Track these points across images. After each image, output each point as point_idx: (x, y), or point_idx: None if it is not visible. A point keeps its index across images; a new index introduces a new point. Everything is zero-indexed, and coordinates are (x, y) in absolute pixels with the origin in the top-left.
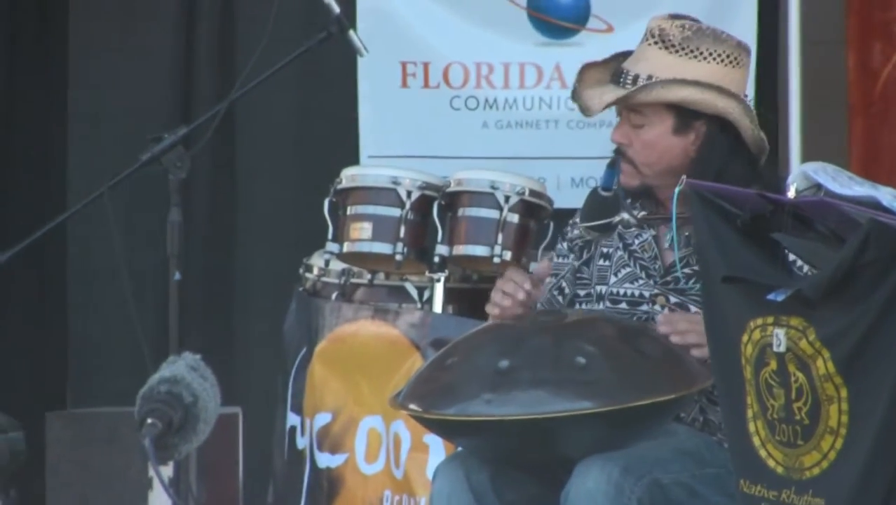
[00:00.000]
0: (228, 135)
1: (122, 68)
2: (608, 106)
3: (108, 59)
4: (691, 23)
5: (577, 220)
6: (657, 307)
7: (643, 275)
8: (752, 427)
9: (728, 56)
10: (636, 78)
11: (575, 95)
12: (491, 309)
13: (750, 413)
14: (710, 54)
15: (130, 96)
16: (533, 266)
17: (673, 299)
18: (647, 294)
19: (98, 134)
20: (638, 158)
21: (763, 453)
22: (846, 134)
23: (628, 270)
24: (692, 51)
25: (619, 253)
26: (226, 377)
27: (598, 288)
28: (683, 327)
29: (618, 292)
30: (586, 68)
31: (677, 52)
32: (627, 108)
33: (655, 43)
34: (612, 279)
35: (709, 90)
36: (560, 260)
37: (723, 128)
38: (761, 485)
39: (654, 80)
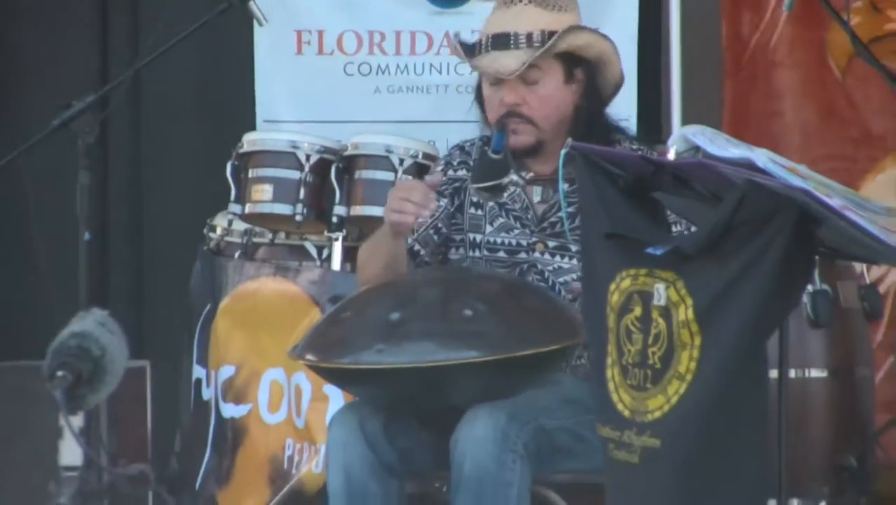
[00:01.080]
0: (135, 101)
1: (41, 37)
2: (529, 62)
3: (27, 28)
4: None
5: (441, 168)
6: (537, 254)
7: (517, 225)
8: (609, 373)
9: (574, 6)
10: (530, 36)
11: (472, 66)
12: (391, 216)
13: (609, 360)
14: (567, 7)
15: (48, 63)
16: (427, 178)
17: (552, 243)
18: (524, 242)
19: (17, 99)
20: (536, 115)
21: (615, 398)
22: (715, 99)
23: (502, 220)
24: (556, 4)
25: (490, 204)
26: (134, 332)
27: (473, 236)
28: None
29: (495, 241)
30: (460, 44)
31: (548, 6)
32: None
33: (528, 2)
34: (488, 228)
35: (594, 34)
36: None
37: (597, 69)
38: (609, 427)
39: (547, 33)
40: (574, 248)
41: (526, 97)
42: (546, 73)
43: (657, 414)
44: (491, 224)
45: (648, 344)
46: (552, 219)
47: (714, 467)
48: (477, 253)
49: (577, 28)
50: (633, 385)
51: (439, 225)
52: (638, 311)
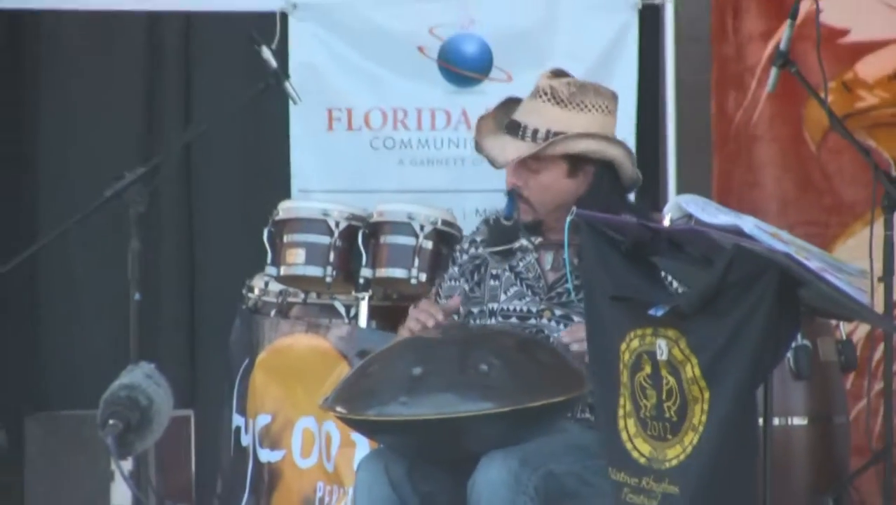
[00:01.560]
0: (183, 171)
1: (91, 111)
2: (518, 157)
3: (79, 102)
4: (573, 79)
5: (466, 246)
6: (544, 320)
7: (529, 293)
8: (621, 424)
9: (606, 106)
10: (535, 132)
11: (478, 147)
12: (405, 333)
13: (621, 412)
14: (593, 106)
15: (98, 134)
16: (442, 302)
17: (558, 312)
18: (534, 309)
19: (67, 166)
20: (533, 198)
21: (629, 446)
22: (707, 169)
23: (515, 288)
24: (578, 104)
25: (507, 274)
26: (179, 384)
27: (490, 305)
28: (582, 336)
29: (508, 308)
30: (481, 120)
31: (566, 105)
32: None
33: (548, 99)
34: (503, 297)
35: (602, 140)
36: (451, 283)
37: (607, 169)
38: (625, 472)
39: (552, 132)
40: (577, 317)
41: (528, 181)
42: (547, 166)
43: (674, 462)
44: (506, 293)
45: (663, 399)
46: (559, 289)
47: None
48: (492, 320)
49: (580, 136)
50: (654, 435)
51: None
52: (648, 369)
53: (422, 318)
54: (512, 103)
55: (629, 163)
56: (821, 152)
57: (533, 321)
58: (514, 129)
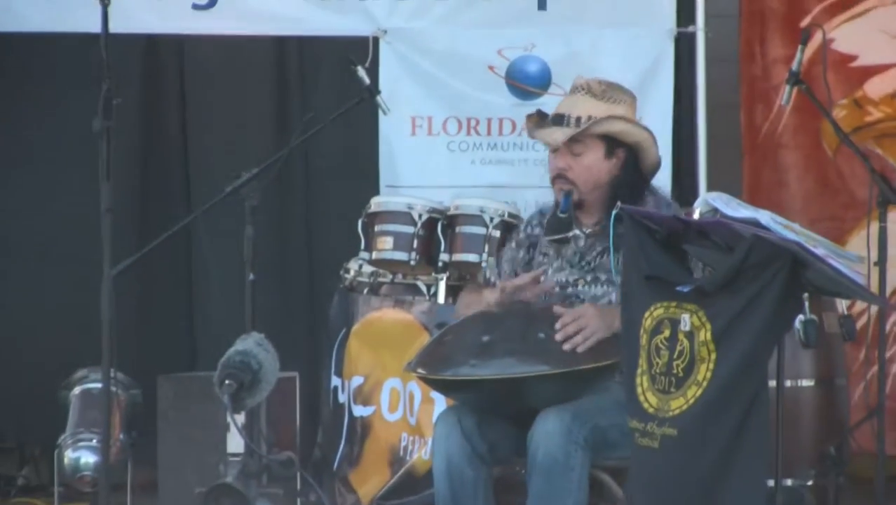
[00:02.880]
0: (290, 171)
1: (227, 126)
2: (569, 137)
3: (214, 120)
4: (602, 79)
5: (523, 227)
6: (579, 287)
7: (566, 266)
8: (638, 380)
9: (629, 102)
10: (578, 119)
11: (531, 136)
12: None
13: (639, 370)
14: (621, 100)
15: (231, 142)
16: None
17: (588, 277)
18: (571, 280)
19: (211, 165)
20: (578, 179)
21: (641, 399)
22: (735, 171)
23: (557, 263)
24: (610, 98)
25: (552, 253)
26: (287, 350)
27: (541, 280)
28: (569, 319)
29: (553, 280)
30: (528, 118)
31: (600, 98)
32: (570, 140)
33: (585, 93)
34: (549, 272)
35: (632, 125)
36: (512, 253)
37: (635, 153)
38: (636, 420)
39: (592, 118)
40: (602, 277)
41: (571, 164)
42: (588, 148)
43: (677, 411)
44: (551, 267)
45: (673, 358)
46: (588, 259)
47: (722, 452)
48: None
49: (614, 118)
50: (660, 389)
51: (518, 270)
52: (667, 333)
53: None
54: (542, 114)
55: (654, 147)
56: (836, 158)
57: (570, 289)
58: (559, 119)
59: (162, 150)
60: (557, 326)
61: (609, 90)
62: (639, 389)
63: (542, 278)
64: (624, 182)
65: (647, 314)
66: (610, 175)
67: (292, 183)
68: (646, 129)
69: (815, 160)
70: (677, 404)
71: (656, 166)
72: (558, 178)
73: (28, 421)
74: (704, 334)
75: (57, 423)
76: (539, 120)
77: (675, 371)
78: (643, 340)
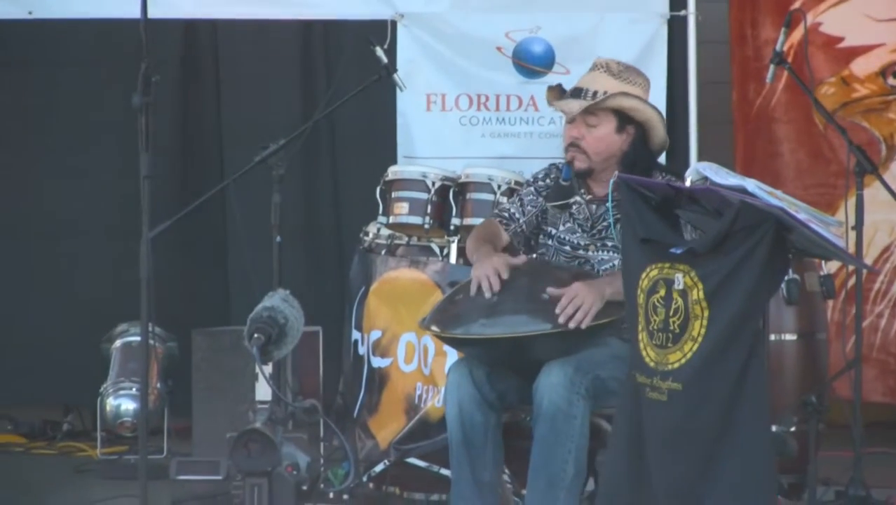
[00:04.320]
0: (314, 142)
1: (257, 102)
2: (586, 108)
3: (246, 97)
4: (621, 61)
5: (541, 175)
6: (589, 252)
7: (579, 230)
8: (639, 336)
9: (643, 84)
10: (595, 93)
11: (550, 104)
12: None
13: (639, 327)
14: (636, 81)
15: (261, 117)
16: (512, 260)
17: (598, 244)
18: (581, 243)
19: (242, 137)
20: (590, 149)
21: (643, 354)
22: (727, 144)
23: (569, 224)
24: (626, 78)
25: (564, 212)
26: (311, 305)
27: (550, 229)
28: (564, 300)
29: (563, 238)
30: (549, 89)
31: (617, 77)
32: (585, 112)
33: (604, 71)
34: (560, 227)
35: (643, 103)
36: (532, 198)
37: (643, 131)
38: (643, 375)
39: (608, 93)
40: (609, 244)
41: (585, 135)
42: (602, 121)
43: (676, 365)
44: (563, 224)
45: (670, 315)
46: (599, 227)
47: (725, 402)
48: (550, 242)
49: (627, 94)
50: (658, 344)
51: (538, 215)
52: (662, 292)
53: (487, 281)
54: (560, 87)
55: (662, 126)
56: (827, 131)
57: (581, 252)
58: (578, 92)
59: (198, 124)
60: (557, 310)
61: (626, 71)
62: (640, 345)
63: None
64: (633, 157)
65: (643, 275)
66: (620, 150)
67: (318, 154)
68: (656, 109)
69: (807, 133)
70: (675, 358)
71: (663, 145)
72: (571, 146)
73: (73, 372)
74: (697, 293)
75: (99, 373)
76: (559, 92)
77: (671, 328)
78: (640, 299)
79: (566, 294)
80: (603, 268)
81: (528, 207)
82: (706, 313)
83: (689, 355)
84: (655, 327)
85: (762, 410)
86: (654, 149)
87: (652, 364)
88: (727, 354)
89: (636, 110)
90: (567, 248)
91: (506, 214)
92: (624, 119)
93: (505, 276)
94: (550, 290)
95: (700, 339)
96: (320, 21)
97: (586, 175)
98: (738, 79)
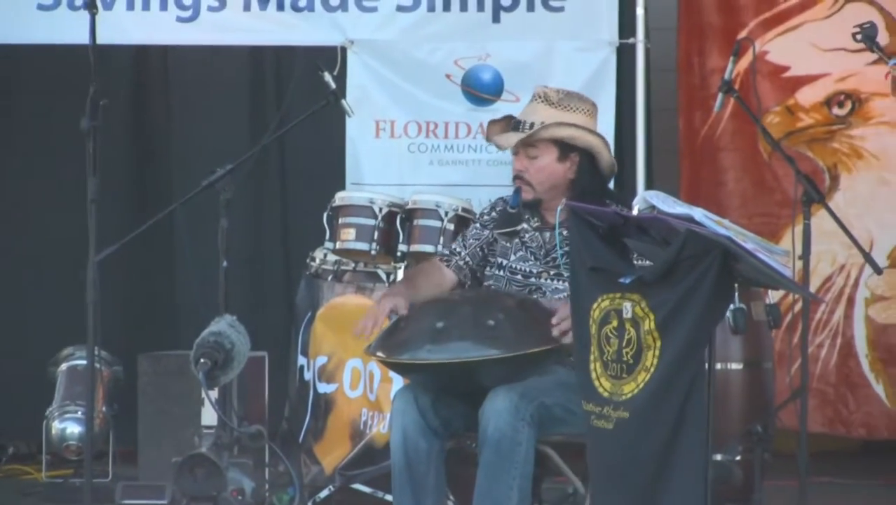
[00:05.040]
0: (263, 167)
1: (207, 127)
2: (518, 142)
3: (196, 122)
4: (562, 88)
5: (487, 210)
6: (542, 280)
7: (531, 257)
8: (591, 366)
9: (587, 110)
10: (532, 125)
11: (488, 139)
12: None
13: (592, 357)
14: (577, 108)
15: (211, 141)
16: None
17: (552, 272)
18: (534, 271)
19: (192, 162)
20: (533, 180)
21: (596, 384)
22: (675, 172)
23: (521, 253)
24: (566, 106)
25: (516, 240)
26: (257, 330)
27: (501, 260)
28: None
29: (515, 267)
30: (490, 123)
31: (556, 106)
32: (525, 144)
33: (542, 101)
34: (512, 257)
35: (582, 130)
36: (477, 231)
37: (589, 157)
38: (592, 403)
39: (543, 125)
40: (565, 275)
41: (528, 166)
42: (542, 152)
43: (629, 395)
44: (514, 254)
45: (623, 346)
46: (553, 255)
47: (669, 430)
48: (501, 272)
49: (562, 124)
50: (613, 375)
51: (482, 247)
52: (615, 322)
53: (366, 321)
54: (510, 118)
55: (606, 151)
56: (772, 160)
57: (533, 280)
58: (517, 125)
59: (148, 149)
60: (554, 321)
61: (566, 99)
62: (593, 375)
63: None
64: (581, 185)
65: (594, 305)
66: (566, 178)
67: (266, 179)
68: (597, 134)
69: (752, 162)
70: (629, 389)
71: (612, 169)
72: (517, 178)
73: (18, 396)
74: (648, 324)
75: (45, 396)
76: (504, 125)
77: (624, 358)
78: (593, 330)
79: (561, 311)
80: (556, 297)
81: (471, 241)
82: (658, 343)
83: (641, 385)
84: (609, 358)
85: (703, 439)
86: (604, 173)
87: (606, 394)
88: (673, 382)
89: (574, 139)
90: (519, 276)
91: (446, 252)
92: (565, 147)
93: (403, 311)
94: (543, 301)
95: (653, 368)
96: (270, 47)
97: (535, 205)
98: (685, 107)
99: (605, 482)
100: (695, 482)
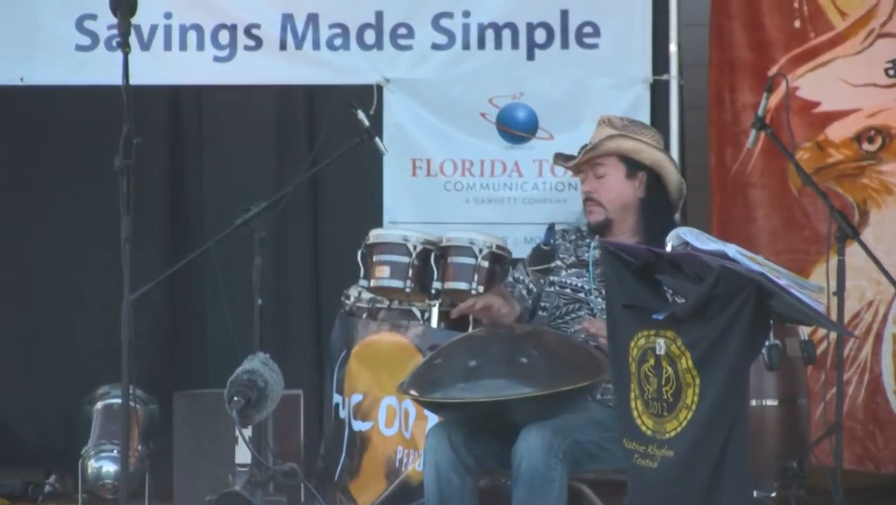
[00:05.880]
0: (296, 205)
1: (240, 166)
2: (585, 162)
3: (228, 160)
4: (626, 116)
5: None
6: (592, 296)
7: (586, 273)
8: (633, 404)
9: (651, 135)
10: (594, 146)
11: (556, 163)
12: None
13: (632, 395)
14: (640, 133)
15: (243, 180)
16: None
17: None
18: (587, 287)
19: (225, 200)
20: (603, 199)
21: (638, 422)
22: (707, 208)
23: (575, 268)
24: (631, 130)
25: (571, 258)
26: (292, 368)
27: (552, 277)
28: (600, 329)
29: (565, 282)
30: (556, 156)
31: (620, 130)
32: (591, 165)
33: (606, 125)
34: (563, 273)
35: (646, 144)
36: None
37: (656, 177)
38: (636, 442)
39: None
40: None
41: (597, 187)
42: (609, 170)
43: (672, 434)
44: (568, 269)
45: (662, 385)
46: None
47: (713, 469)
48: (552, 288)
49: (621, 136)
50: (654, 413)
51: (532, 287)
52: (652, 361)
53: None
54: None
55: (672, 167)
56: (801, 196)
57: (582, 295)
58: (583, 149)
59: (181, 188)
60: (585, 323)
61: (630, 125)
62: (634, 413)
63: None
64: (650, 204)
65: (632, 343)
66: (635, 196)
67: (300, 217)
68: (662, 150)
69: (782, 198)
70: (672, 427)
71: (680, 189)
72: (587, 200)
73: (55, 434)
74: (686, 362)
75: (81, 435)
76: (565, 157)
77: (665, 397)
78: (632, 368)
79: (595, 323)
80: (604, 316)
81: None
82: (697, 381)
83: (684, 424)
84: (650, 396)
85: (745, 475)
86: (672, 195)
87: (649, 432)
88: (716, 420)
89: (639, 152)
90: (568, 290)
91: (510, 280)
92: (632, 165)
93: (503, 309)
94: (588, 325)
95: (694, 406)
96: (302, 86)
97: (604, 227)
98: (716, 143)
99: None
100: None
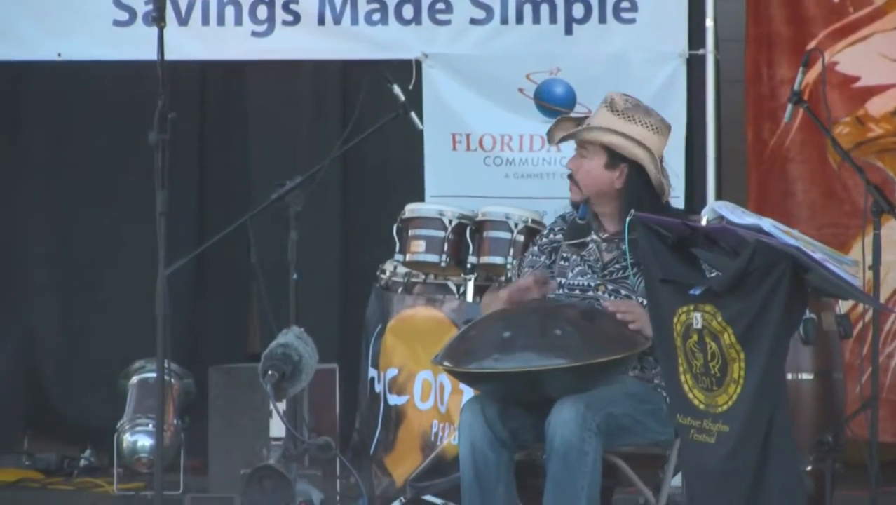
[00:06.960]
0: (333, 180)
1: (276, 140)
2: (561, 139)
3: (264, 135)
4: (632, 98)
5: (545, 233)
6: (599, 293)
7: (589, 271)
8: (682, 378)
9: (650, 125)
10: (580, 132)
11: (548, 133)
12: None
13: (681, 369)
14: (640, 121)
15: (281, 154)
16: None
17: (610, 287)
18: (592, 284)
19: (260, 175)
20: (580, 181)
21: (690, 396)
22: (743, 183)
23: (579, 268)
24: (629, 116)
25: (574, 257)
26: (327, 343)
27: (560, 279)
28: (624, 308)
29: (574, 283)
30: (562, 119)
31: (619, 114)
32: (580, 145)
33: (606, 107)
34: (570, 274)
35: (630, 141)
36: (533, 258)
37: (639, 172)
38: (690, 417)
39: (590, 126)
40: (624, 291)
41: (578, 167)
42: (592, 154)
43: (724, 407)
44: (572, 271)
45: (708, 360)
46: (611, 269)
47: (763, 442)
48: (560, 291)
49: (605, 130)
50: (704, 387)
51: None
52: (695, 337)
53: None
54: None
55: (653, 167)
56: (841, 171)
57: (591, 293)
58: (580, 124)
59: (216, 163)
60: (611, 307)
61: (632, 109)
62: (685, 387)
63: (549, 281)
64: (629, 196)
65: (675, 319)
66: (613, 186)
67: (335, 192)
68: (645, 148)
69: (821, 173)
70: (723, 400)
71: (660, 185)
72: (569, 177)
73: (92, 408)
74: (728, 337)
75: (117, 409)
76: (575, 124)
77: (712, 372)
78: (678, 343)
79: (626, 303)
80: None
81: (527, 269)
82: (742, 356)
83: (734, 397)
84: (698, 371)
85: (791, 445)
86: (654, 188)
87: (702, 407)
88: (764, 393)
89: (620, 148)
90: (577, 292)
91: (507, 277)
92: (614, 156)
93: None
94: (606, 303)
95: (742, 381)
96: (337, 60)
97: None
98: (753, 118)
99: (707, 495)
100: (793, 489)
